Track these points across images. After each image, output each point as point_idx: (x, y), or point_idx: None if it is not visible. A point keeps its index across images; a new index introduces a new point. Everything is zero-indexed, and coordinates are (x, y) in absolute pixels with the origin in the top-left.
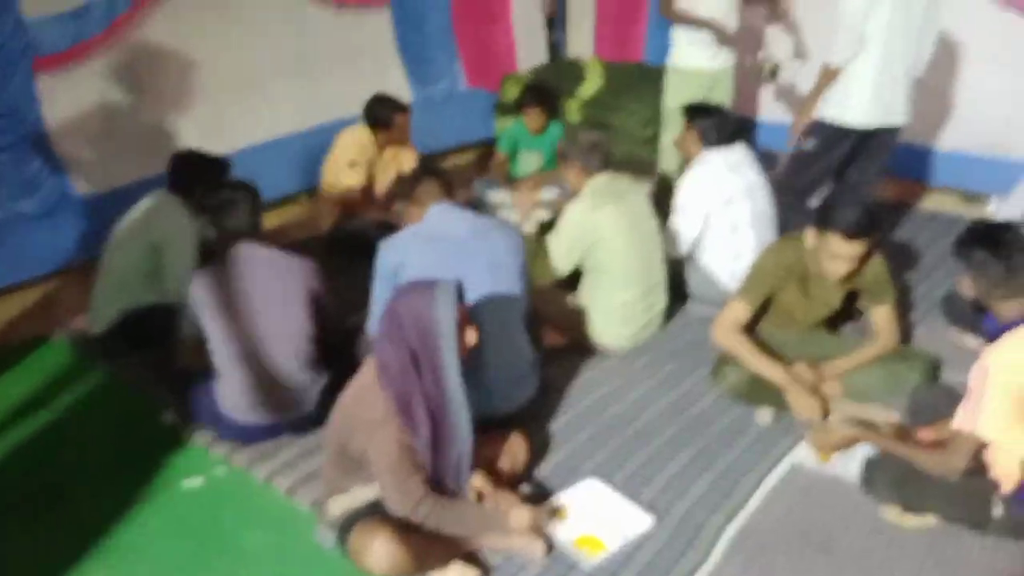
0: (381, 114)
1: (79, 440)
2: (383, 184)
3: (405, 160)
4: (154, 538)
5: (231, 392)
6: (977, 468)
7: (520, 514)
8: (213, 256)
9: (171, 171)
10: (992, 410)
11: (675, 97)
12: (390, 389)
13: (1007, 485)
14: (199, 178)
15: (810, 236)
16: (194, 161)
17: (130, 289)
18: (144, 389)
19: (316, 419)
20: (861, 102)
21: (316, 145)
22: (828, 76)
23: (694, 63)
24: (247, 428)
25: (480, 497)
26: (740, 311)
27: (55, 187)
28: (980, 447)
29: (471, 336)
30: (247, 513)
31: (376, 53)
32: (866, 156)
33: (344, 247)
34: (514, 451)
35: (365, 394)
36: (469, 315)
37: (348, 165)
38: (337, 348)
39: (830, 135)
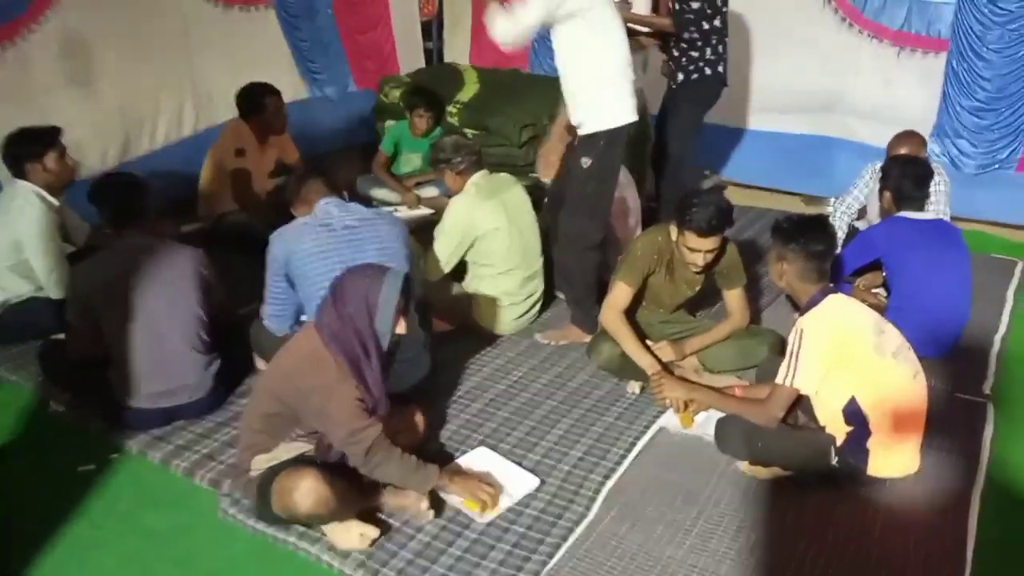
0: (252, 101)
1: None
2: (264, 178)
3: (287, 150)
4: (52, 523)
5: (125, 379)
6: (815, 425)
7: (468, 484)
8: (98, 246)
9: (3, 156)
10: (806, 368)
11: None
12: (342, 354)
13: (839, 437)
14: (30, 153)
15: (673, 230)
16: (22, 138)
17: (1, 285)
18: (29, 381)
19: (209, 404)
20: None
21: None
22: None
23: None
24: (142, 414)
25: None
26: (622, 293)
27: None
28: (794, 399)
29: (401, 326)
30: (145, 495)
31: (269, 53)
32: None
33: (224, 240)
34: (413, 425)
35: (314, 360)
36: (405, 307)
37: (236, 154)
38: (228, 334)
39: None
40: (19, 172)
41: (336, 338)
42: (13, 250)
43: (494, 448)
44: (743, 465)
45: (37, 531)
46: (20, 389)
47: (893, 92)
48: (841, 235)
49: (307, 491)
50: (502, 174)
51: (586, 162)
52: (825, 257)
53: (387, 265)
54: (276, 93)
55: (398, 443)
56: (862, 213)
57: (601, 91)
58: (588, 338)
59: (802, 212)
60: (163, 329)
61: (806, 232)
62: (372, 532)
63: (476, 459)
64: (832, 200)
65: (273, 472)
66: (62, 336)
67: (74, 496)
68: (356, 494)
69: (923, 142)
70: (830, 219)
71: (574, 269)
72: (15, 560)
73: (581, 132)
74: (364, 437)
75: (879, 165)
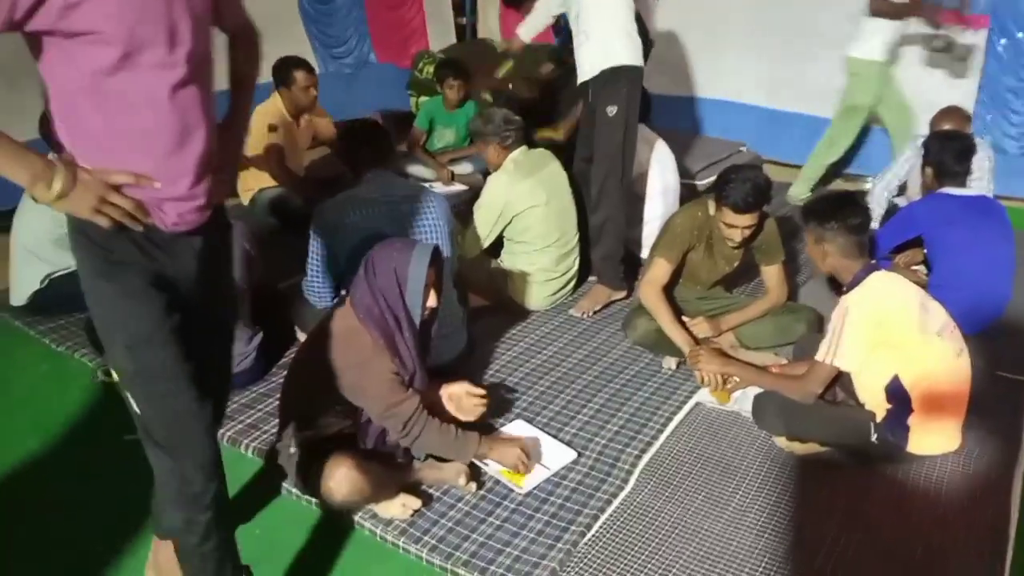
0: (280, 73)
1: (8, 403)
2: (300, 154)
3: (322, 128)
4: (97, 491)
5: None
6: (854, 401)
7: (508, 452)
8: None
9: (42, 130)
10: (850, 346)
11: (868, 92)
12: (376, 329)
13: (879, 414)
14: None
15: (711, 206)
16: None
17: (45, 257)
18: (75, 351)
19: (252, 375)
20: None
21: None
22: None
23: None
24: None
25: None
26: (662, 269)
27: None
28: (833, 376)
29: (432, 299)
30: None
31: (282, 24)
32: None
33: (262, 215)
34: (460, 398)
35: (349, 336)
36: (437, 280)
37: (268, 129)
38: (269, 308)
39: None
40: (57, 147)
41: (370, 313)
42: (56, 223)
43: (530, 421)
44: (781, 440)
45: (84, 498)
46: (66, 360)
47: (932, 71)
48: (880, 211)
49: (342, 480)
50: (540, 150)
51: (612, 110)
52: (863, 230)
53: (420, 240)
54: (306, 68)
55: (438, 416)
56: (902, 189)
57: (629, 28)
58: (619, 295)
59: (831, 190)
60: None
61: (841, 208)
62: (414, 503)
63: (513, 432)
64: (870, 177)
65: (312, 451)
66: None
67: (120, 465)
68: (392, 478)
69: (967, 117)
70: (869, 195)
71: (606, 220)
72: (61, 526)
73: (605, 73)
74: (401, 411)
75: (920, 141)
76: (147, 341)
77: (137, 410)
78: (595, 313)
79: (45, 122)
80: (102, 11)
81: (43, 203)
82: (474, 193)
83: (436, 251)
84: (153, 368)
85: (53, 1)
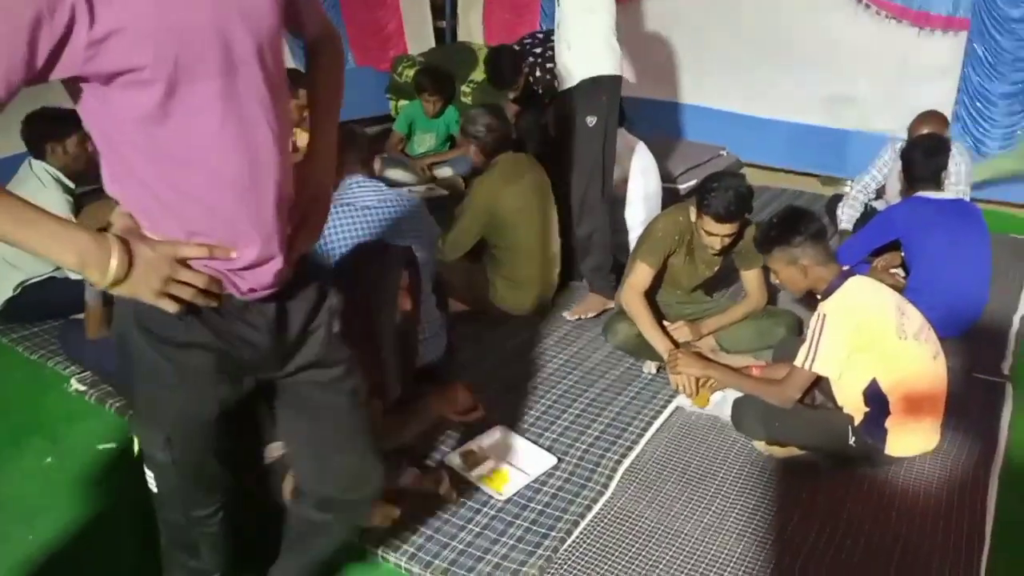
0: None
1: None
2: None
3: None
4: (72, 502)
5: None
6: (832, 404)
7: (461, 396)
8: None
9: (25, 133)
10: (829, 351)
11: None
12: (346, 335)
13: (857, 417)
14: (52, 134)
15: (692, 211)
16: (45, 118)
17: (19, 264)
18: (48, 359)
19: None
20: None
21: None
22: None
23: None
24: None
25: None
26: (644, 274)
27: None
28: (811, 382)
29: (405, 303)
30: None
31: None
32: None
33: None
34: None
35: None
36: (412, 284)
37: None
38: None
39: None
40: (39, 152)
41: (341, 318)
42: None
43: (510, 427)
44: (760, 444)
45: (57, 510)
46: (40, 368)
47: (912, 75)
48: (855, 214)
49: None
50: (524, 155)
51: (591, 120)
52: (825, 233)
53: (396, 244)
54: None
55: (411, 428)
56: (880, 193)
57: (610, 37)
58: (612, 304)
59: (774, 215)
60: None
61: (796, 222)
62: (393, 512)
63: (493, 438)
64: (849, 181)
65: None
66: (82, 316)
67: (94, 475)
68: None
69: (945, 121)
70: (845, 198)
71: (593, 232)
72: (35, 537)
73: (585, 83)
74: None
75: (899, 145)
76: (190, 438)
77: (155, 489)
78: (583, 319)
79: (27, 124)
80: (134, 41)
81: (97, 288)
82: (454, 197)
83: (411, 254)
84: (189, 467)
85: (76, 40)
